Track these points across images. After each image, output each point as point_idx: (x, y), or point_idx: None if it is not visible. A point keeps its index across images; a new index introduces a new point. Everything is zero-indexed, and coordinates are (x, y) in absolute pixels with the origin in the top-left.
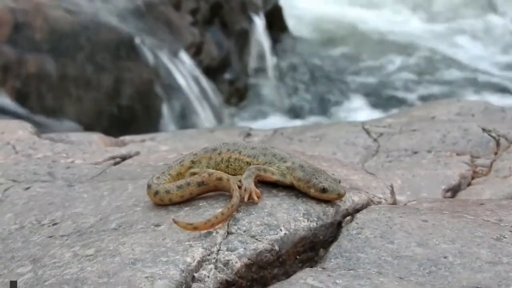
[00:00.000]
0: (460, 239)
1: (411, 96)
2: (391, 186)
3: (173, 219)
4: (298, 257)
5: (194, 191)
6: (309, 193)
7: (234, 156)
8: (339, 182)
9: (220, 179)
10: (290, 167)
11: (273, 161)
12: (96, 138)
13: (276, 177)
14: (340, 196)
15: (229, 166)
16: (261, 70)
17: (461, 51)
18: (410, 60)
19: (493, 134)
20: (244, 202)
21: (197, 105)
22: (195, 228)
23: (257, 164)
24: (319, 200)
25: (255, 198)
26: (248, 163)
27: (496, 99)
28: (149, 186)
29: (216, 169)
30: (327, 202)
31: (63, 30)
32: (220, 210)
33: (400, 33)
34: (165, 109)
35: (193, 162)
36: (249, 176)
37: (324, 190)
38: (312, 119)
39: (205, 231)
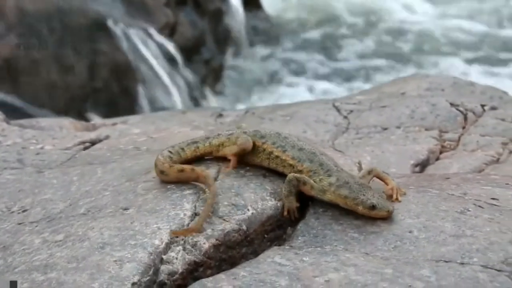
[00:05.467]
0: (425, 214)
1: (384, 76)
2: (359, 163)
3: (171, 231)
4: (266, 236)
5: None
6: (357, 210)
7: (277, 153)
8: (385, 197)
9: (182, 170)
10: (333, 183)
11: (318, 171)
12: (67, 123)
13: (314, 193)
14: (389, 213)
15: (270, 160)
16: (236, 49)
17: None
18: (384, 39)
19: (461, 109)
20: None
21: (172, 86)
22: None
23: (301, 170)
24: (369, 218)
25: (292, 217)
26: (292, 166)
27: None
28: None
29: (256, 158)
30: (377, 219)
31: (35, 14)
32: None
33: (375, 11)
34: (140, 91)
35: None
36: (291, 193)
37: (373, 207)
38: (286, 99)
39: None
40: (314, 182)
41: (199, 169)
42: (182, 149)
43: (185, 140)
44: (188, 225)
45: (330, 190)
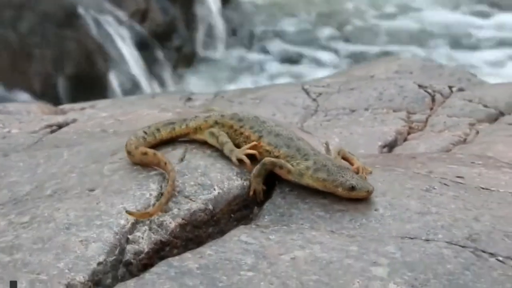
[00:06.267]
0: (391, 192)
1: (355, 61)
2: (326, 143)
3: (126, 211)
4: (232, 215)
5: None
6: (336, 192)
7: (254, 138)
8: (365, 178)
9: (145, 153)
10: (310, 167)
11: (295, 156)
12: (35, 107)
13: (291, 177)
14: (369, 193)
15: (247, 144)
16: (209, 35)
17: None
18: (359, 24)
19: (429, 90)
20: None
21: (143, 73)
22: (150, 215)
23: (278, 156)
24: (348, 199)
25: (258, 199)
26: (268, 152)
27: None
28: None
29: (233, 141)
30: (357, 200)
31: (5, 1)
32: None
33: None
34: (111, 78)
35: (217, 122)
36: (260, 175)
37: (352, 188)
38: (259, 82)
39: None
40: (292, 166)
41: (161, 154)
42: (158, 129)
43: (162, 121)
44: (153, 205)
45: (308, 173)
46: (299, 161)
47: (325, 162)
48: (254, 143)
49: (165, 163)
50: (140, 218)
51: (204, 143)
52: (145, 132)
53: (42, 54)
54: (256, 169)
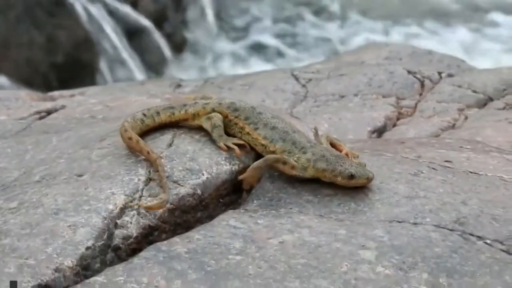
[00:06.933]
0: (379, 176)
1: (344, 47)
2: (315, 129)
3: (144, 207)
4: (221, 200)
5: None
6: (336, 181)
7: (248, 130)
8: (365, 165)
9: (130, 138)
10: (310, 159)
11: (292, 150)
12: (24, 94)
13: (295, 172)
14: (369, 180)
15: (242, 135)
16: (199, 21)
17: None
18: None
19: (418, 76)
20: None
21: (133, 60)
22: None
23: (274, 151)
24: (348, 188)
25: (244, 188)
26: (263, 146)
27: None
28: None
29: (230, 130)
30: (357, 188)
31: None
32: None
33: None
34: (101, 65)
35: (214, 110)
36: (260, 168)
37: (352, 177)
38: (249, 68)
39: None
40: (295, 161)
41: (144, 143)
42: (158, 113)
43: (162, 105)
44: (142, 190)
45: (310, 166)
46: (298, 155)
47: (323, 153)
48: (243, 143)
49: (148, 152)
50: (159, 208)
51: (193, 129)
52: (144, 115)
53: (31, 42)
54: (257, 161)
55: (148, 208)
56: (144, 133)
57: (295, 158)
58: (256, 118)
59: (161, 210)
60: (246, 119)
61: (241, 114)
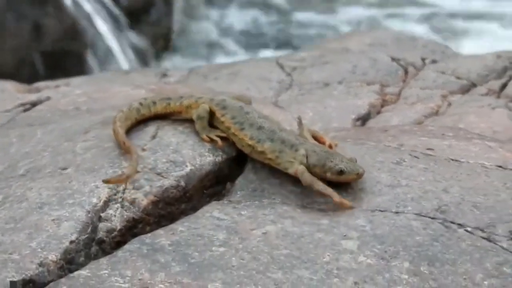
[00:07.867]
0: (362, 165)
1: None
2: (299, 118)
3: (103, 180)
4: (205, 191)
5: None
6: (326, 177)
7: (233, 131)
8: (356, 160)
9: (113, 130)
10: (304, 155)
11: (283, 149)
12: (9, 86)
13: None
14: (359, 175)
15: (229, 134)
16: (186, 10)
17: None
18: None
19: (402, 63)
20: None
21: (120, 49)
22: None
23: (262, 151)
24: (338, 183)
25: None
26: (251, 147)
27: None
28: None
29: (219, 126)
30: (347, 183)
31: None
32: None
33: None
34: (88, 55)
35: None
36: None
37: (341, 172)
38: (235, 57)
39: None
40: (289, 162)
41: (123, 136)
42: (154, 102)
43: (159, 95)
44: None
45: (304, 162)
46: (294, 155)
47: (313, 148)
48: (225, 135)
49: (127, 147)
50: (118, 183)
51: (176, 120)
52: (141, 104)
53: (17, 32)
54: (311, 180)
55: (107, 182)
56: (139, 123)
57: (291, 158)
58: (242, 118)
59: (145, 202)
60: (233, 118)
61: (228, 112)
